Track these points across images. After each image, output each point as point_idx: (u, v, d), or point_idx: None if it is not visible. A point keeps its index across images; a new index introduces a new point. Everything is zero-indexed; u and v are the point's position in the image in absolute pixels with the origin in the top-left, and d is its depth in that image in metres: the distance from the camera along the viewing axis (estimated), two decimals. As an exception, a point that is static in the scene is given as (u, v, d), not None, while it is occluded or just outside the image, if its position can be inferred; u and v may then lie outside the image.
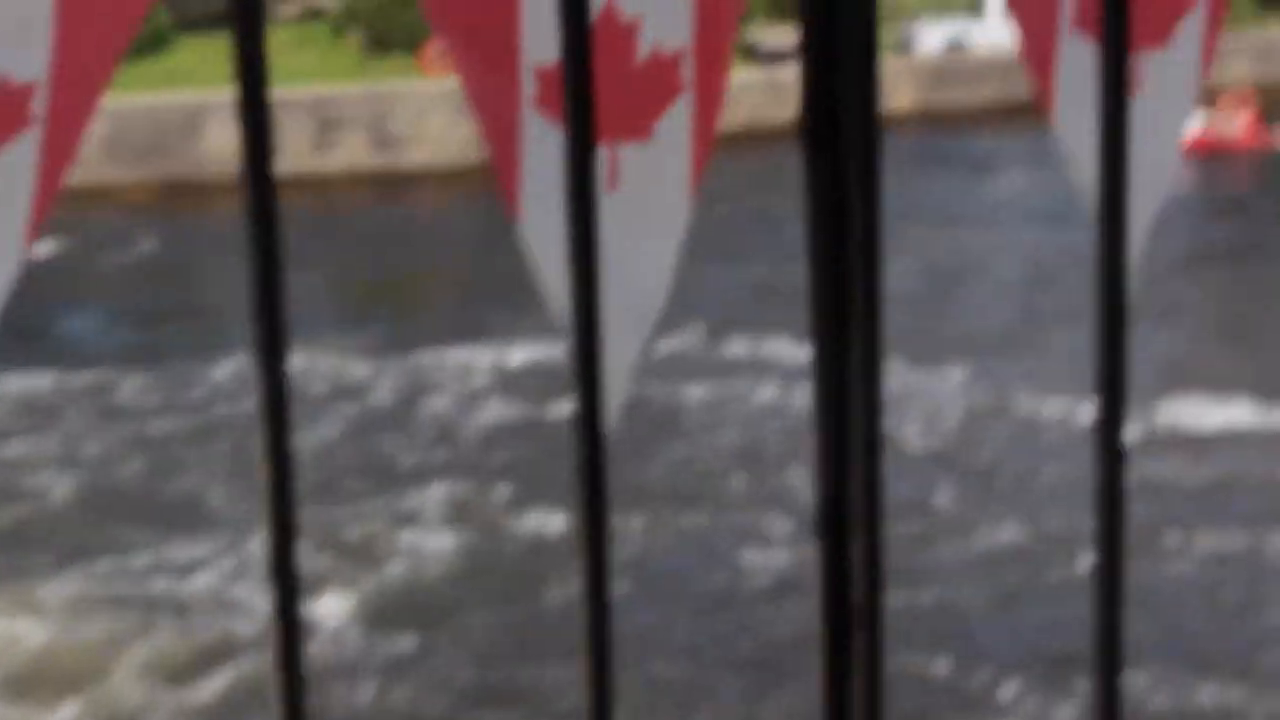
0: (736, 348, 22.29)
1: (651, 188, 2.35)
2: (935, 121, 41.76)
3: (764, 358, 21.49)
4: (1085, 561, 14.75)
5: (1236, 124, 34.92)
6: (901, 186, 33.85)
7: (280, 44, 43.77)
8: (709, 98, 2.42)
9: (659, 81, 2.34)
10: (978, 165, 36.14)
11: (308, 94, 38.21)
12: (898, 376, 19.76)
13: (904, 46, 45.60)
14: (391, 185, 36.32)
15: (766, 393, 20.29)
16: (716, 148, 2.30)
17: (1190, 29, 2.97)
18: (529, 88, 2.33)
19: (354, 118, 37.82)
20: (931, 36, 44.97)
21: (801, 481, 16.30)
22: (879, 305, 1.56)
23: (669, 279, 2.40)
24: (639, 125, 2.34)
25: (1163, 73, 2.95)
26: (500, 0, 2.32)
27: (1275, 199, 31.32)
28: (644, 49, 2.31)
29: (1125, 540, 1.62)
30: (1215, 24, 3.00)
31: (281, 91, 38.09)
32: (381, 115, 37.75)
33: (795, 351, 19.93)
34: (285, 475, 1.41)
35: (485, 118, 2.42)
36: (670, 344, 21.40)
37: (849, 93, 1.48)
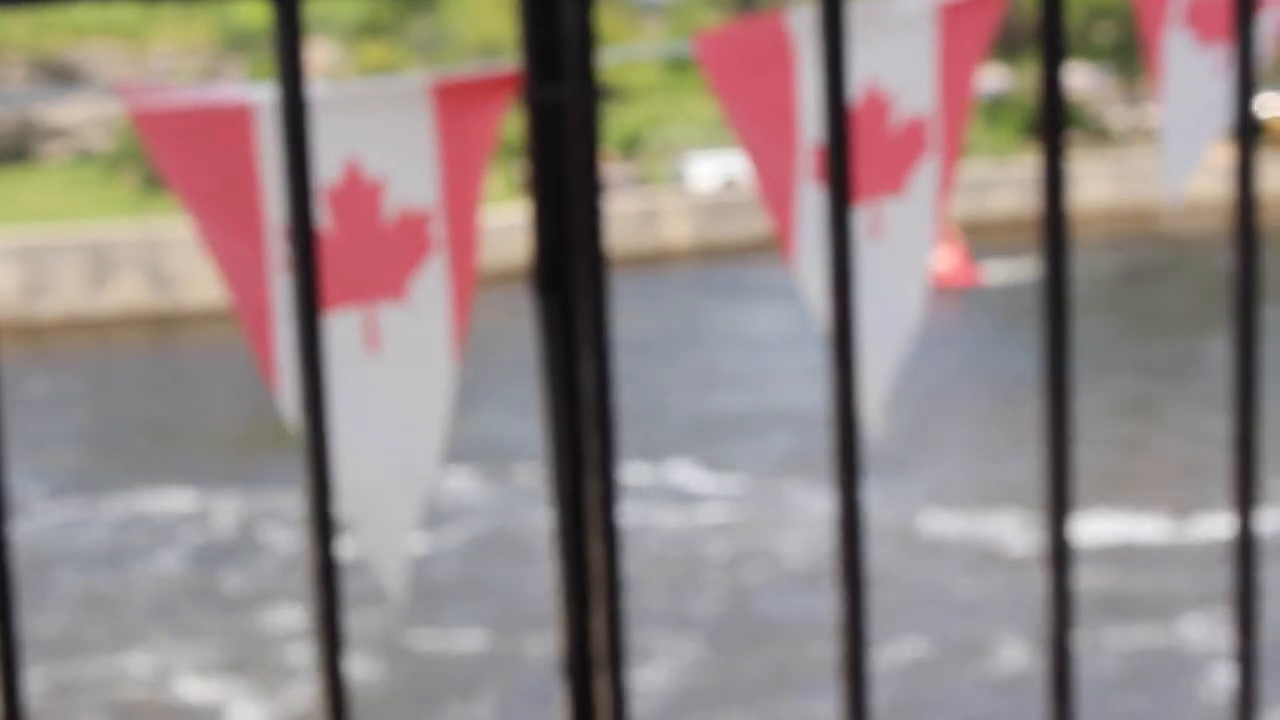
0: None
1: (411, 347, 2.38)
2: (711, 254, 42.43)
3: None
4: (998, 667, 15.05)
5: (942, 261, 35.70)
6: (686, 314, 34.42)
7: (51, 185, 43.15)
8: (462, 254, 2.47)
9: (409, 240, 2.38)
10: (753, 295, 36.70)
11: (82, 234, 37.63)
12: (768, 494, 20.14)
13: (678, 180, 46.42)
14: (169, 325, 35.84)
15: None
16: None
17: (924, 175, 3.09)
18: (278, 251, 2.37)
19: (129, 258, 37.29)
20: (704, 170, 45.73)
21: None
22: (614, 444, 1.58)
23: (439, 436, 2.39)
24: (393, 284, 2.37)
25: (900, 217, 3.08)
26: (242, 166, 2.35)
27: (983, 331, 32.08)
28: (392, 208, 2.35)
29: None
30: (949, 168, 3.12)
31: (55, 232, 37.51)
32: (157, 255, 37.28)
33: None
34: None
35: (236, 286, 2.45)
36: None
37: (577, 235, 1.51)
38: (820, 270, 3.03)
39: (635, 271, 38.64)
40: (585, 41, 1.47)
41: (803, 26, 2.85)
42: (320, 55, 46.53)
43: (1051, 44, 1.69)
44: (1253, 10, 1.72)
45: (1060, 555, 1.51)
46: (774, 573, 18.22)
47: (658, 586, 17.69)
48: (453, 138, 2.35)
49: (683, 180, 46.51)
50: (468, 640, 16.47)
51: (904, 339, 3.13)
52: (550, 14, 1.71)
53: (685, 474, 21.82)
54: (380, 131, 2.30)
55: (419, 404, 2.32)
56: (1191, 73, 3.18)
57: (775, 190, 2.98)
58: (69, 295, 36.92)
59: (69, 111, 45.71)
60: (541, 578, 18.08)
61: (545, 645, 15.90)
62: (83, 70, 48.45)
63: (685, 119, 48.32)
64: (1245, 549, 1.60)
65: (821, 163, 2.85)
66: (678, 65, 50.48)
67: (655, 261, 42.09)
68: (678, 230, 44.58)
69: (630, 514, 19.92)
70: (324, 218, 2.19)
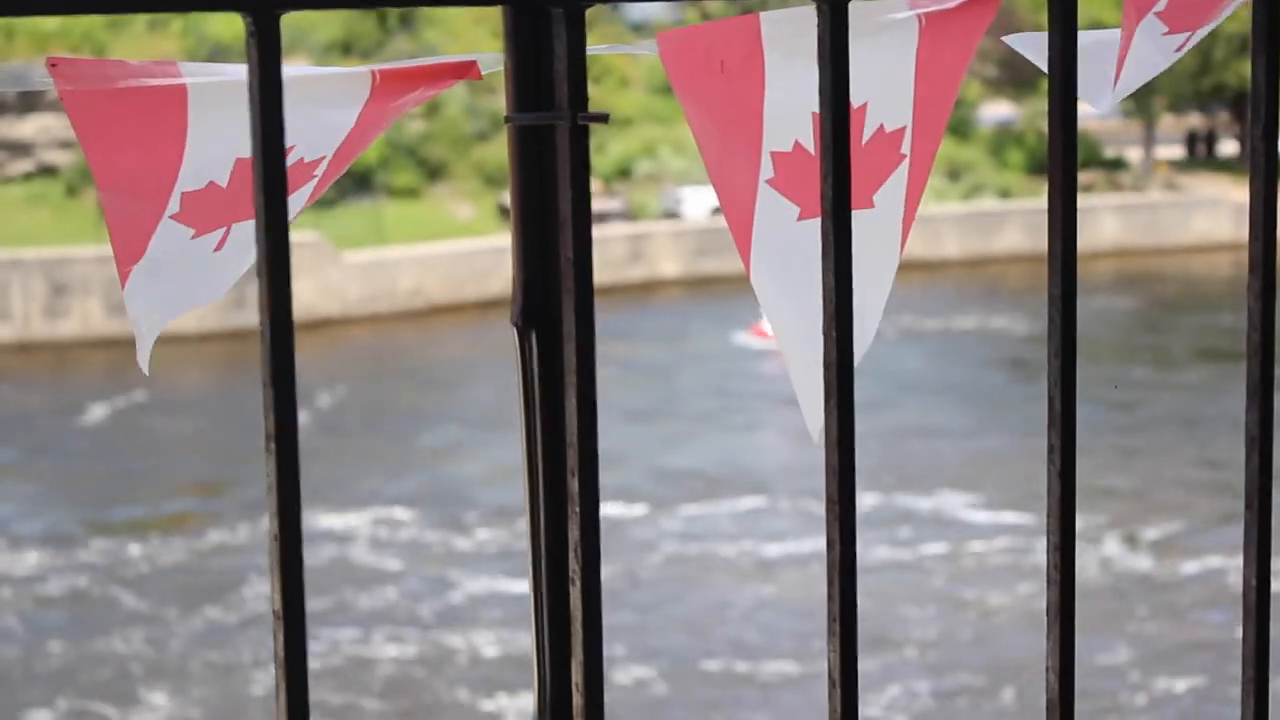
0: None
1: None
2: (700, 286, 42.54)
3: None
4: None
5: None
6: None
7: (10, 202, 43.14)
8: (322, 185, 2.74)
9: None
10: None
11: (40, 255, 37.60)
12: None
13: (671, 212, 46.46)
14: (128, 350, 35.79)
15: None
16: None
17: (893, 189, 3.12)
18: (174, 206, 2.66)
19: (88, 280, 37.27)
20: (698, 202, 45.79)
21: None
22: (596, 486, 1.59)
23: None
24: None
25: (864, 232, 3.10)
26: (169, 141, 2.53)
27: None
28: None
29: None
30: (918, 183, 3.15)
31: (11, 252, 37.48)
32: (115, 280, 37.20)
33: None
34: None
35: (121, 230, 2.75)
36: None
37: (563, 272, 1.52)
38: (779, 282, 3.08)
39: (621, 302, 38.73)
40: (576, 63, 1.48)
41: (775, 28, 2.87)
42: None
43: (1065, 80, 1.70)
44: (1275, 60, 1.74)
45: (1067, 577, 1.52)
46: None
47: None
48: (372, 116, 2.50)
49: (677, 216, 46.56)
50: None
51: (858, 355, 3.16)
52: (539, 34, 1.72)
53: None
54: (312, 114, 2.43)
55: None
56: (1149, 44, 3.29)
57: (734, 198, 3.02)
58: (24, 318, 36.84)
59: (30, 127, 45.71)
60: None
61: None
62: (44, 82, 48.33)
63: (677, 148, 48.38)
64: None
65: (782, 169, 2.89)
66: (669, 92, 50.51)
67: (643, 293, 42.22)
68: (666, 264, 44.61)
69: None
70: (234, 185, 2.49)
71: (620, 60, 52.42)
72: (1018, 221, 46.60)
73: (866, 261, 3.21)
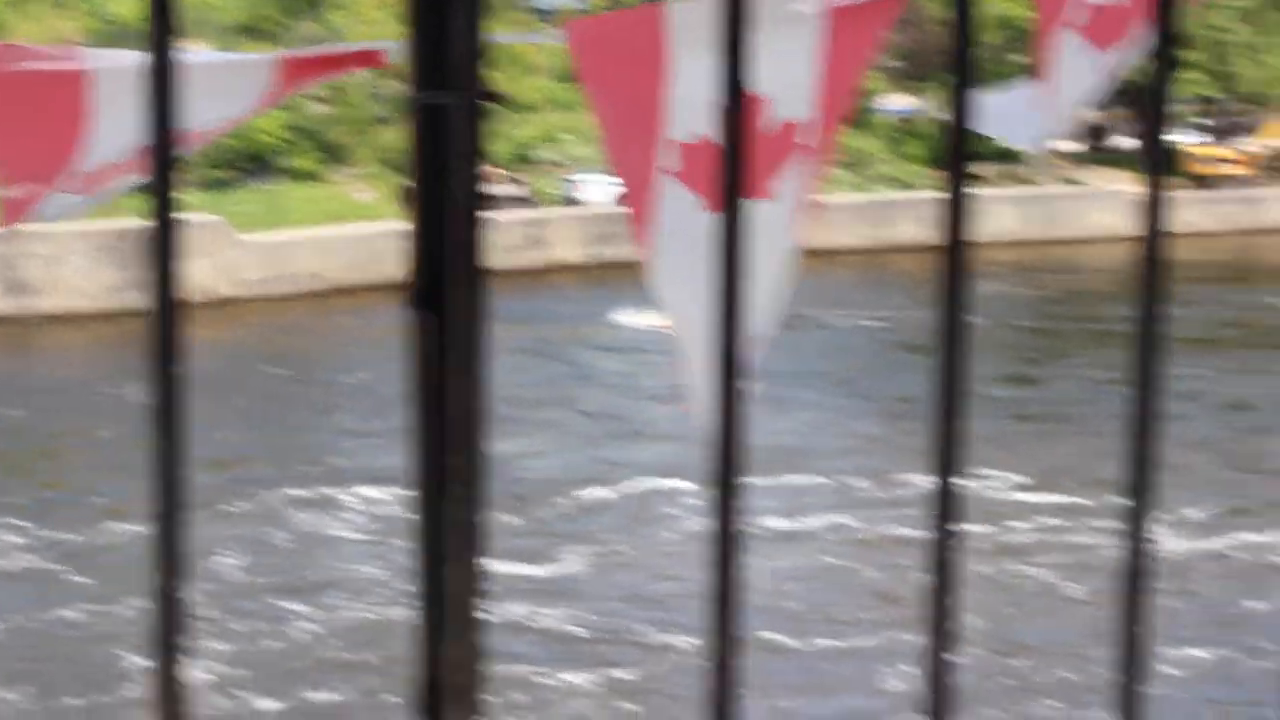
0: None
1: None
2: (601, 273, 42.58)
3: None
4: None
5: None
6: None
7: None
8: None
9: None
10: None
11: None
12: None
13: (570, 199, 46.44)
14: (22, 333, 35.40)
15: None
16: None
17: (789, 180, 3.14)
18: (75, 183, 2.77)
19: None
20: (596, 189, 45.73)
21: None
22: (483, 467, 1.58)
23: None
24: None
25: (761, 222, 3.14)
26: (69, 123, 2.57)
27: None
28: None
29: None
30: (816, 173, 3.16)
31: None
32: (12, 259, 36.83)
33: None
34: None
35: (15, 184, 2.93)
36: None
37: (455, 254, 1.51)
38: (679, 272, 3.08)
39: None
40: (473, 46, 1.47)
41: (681, 20, 2.89)
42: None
43: (962, 71, 1.70)
44: (1169, 46, 1.76)
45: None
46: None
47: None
48: (273, 99, 2.53)
49: (573, 199, 46.53)
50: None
51: (757, 345, 3.16)
52: (439, 18, 1.71)
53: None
54: (216, 102, 2.44)
55: None
56: (1074, 64, 3.33)
57: (634, 183, 3.04)
58: (-83, 296, 36.40)
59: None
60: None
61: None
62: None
63: (578, 135, 48.33)
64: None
65: (687, 160, 2.90)
66: (574, 79, 50.30)
67: (542, 277, 42.21)
68: (568, 250, 44.58)
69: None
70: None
71: (526, 46, 52.33)
72: (913, 212, 46.92)
73: (766, 252, 3.22)
